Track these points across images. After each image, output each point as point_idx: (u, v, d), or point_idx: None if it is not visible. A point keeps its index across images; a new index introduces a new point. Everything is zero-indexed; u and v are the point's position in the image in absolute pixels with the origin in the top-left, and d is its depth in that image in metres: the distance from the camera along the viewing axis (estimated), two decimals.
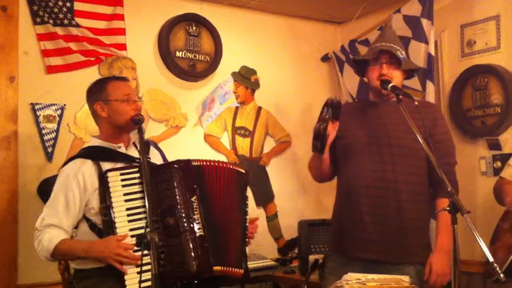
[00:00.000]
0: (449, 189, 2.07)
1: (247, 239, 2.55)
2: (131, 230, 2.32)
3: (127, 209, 2.35)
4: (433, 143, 2.35)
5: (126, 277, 2.27)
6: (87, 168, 2.44)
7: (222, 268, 2.37)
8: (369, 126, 2.63)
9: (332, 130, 2.46)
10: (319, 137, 2.40)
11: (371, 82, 2.64)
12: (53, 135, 3.36)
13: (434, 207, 2.58)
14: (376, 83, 2.58)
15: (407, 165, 2.53)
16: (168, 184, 2.38)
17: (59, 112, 3.39)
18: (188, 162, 2.47)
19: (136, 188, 2.38)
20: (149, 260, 1.99)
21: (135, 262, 2.27)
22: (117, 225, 2.32)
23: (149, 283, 2.10)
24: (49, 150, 3.34)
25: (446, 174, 2.25)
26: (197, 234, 2.34)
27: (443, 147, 2.55)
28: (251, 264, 3.47)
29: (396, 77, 2.57)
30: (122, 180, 2.38)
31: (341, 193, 2.72)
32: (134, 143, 2.63)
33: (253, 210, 4.13)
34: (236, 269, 2.42)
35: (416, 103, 2.40)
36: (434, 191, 2.58)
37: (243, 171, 2.62)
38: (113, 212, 2.32)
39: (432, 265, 2.47)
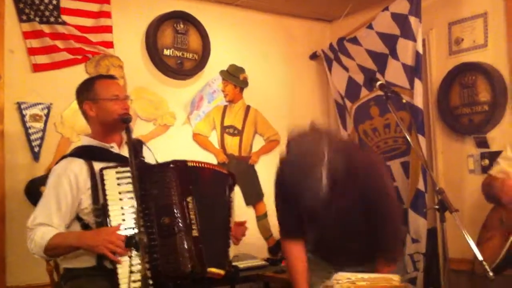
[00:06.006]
0: (437, 188, 2.10)
1: (230, 240, 2.57)
2: (126, 229, 2.30)
3: (122, 208, 2.34)
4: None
5: (119, 275, 2.24)
6: (78, 166, 2.42)
7: (216, 269, 2.38)
8: None
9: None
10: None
11: None
12: (40, 134, 3.32)
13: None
14: None
15: None
16: (164, 184, 2.38)
17: (45, 111, 3.35)
18: (184, 162, 2.47)
19: (132, 187, 2.35)
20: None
21: (127, 254, 2.25)
22: (112, 223, 2.30)
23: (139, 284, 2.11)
24: (36, 149, 3.30)
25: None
26: (192, 235, 2.35)
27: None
28: (241, 264, 3.47)
29: None
30: (118, 178, 2.36)
31: None
32: (127, 143, 2.59)
33: (243, 209, 4.13)
34: (222, 271, 2.44)
35: (404, 100, 2.52)
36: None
37: (228, 172, 2.67)
38: (108, 210, 2.31)
39: None
